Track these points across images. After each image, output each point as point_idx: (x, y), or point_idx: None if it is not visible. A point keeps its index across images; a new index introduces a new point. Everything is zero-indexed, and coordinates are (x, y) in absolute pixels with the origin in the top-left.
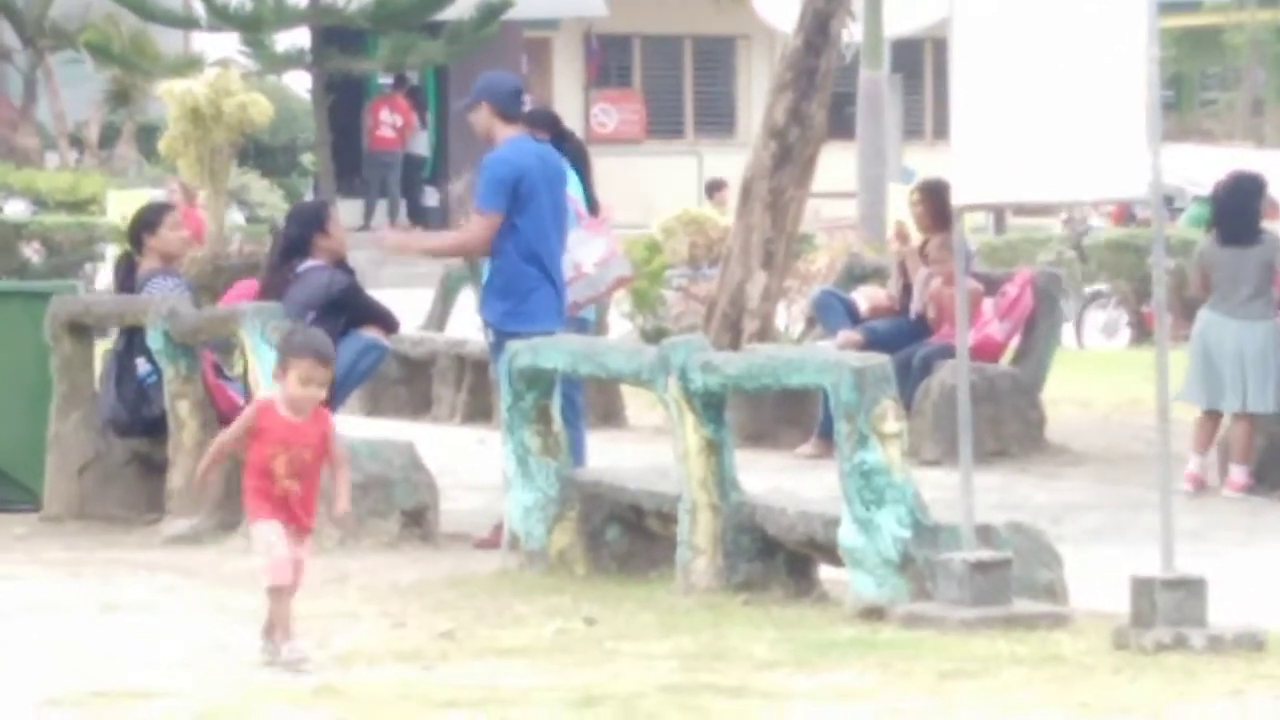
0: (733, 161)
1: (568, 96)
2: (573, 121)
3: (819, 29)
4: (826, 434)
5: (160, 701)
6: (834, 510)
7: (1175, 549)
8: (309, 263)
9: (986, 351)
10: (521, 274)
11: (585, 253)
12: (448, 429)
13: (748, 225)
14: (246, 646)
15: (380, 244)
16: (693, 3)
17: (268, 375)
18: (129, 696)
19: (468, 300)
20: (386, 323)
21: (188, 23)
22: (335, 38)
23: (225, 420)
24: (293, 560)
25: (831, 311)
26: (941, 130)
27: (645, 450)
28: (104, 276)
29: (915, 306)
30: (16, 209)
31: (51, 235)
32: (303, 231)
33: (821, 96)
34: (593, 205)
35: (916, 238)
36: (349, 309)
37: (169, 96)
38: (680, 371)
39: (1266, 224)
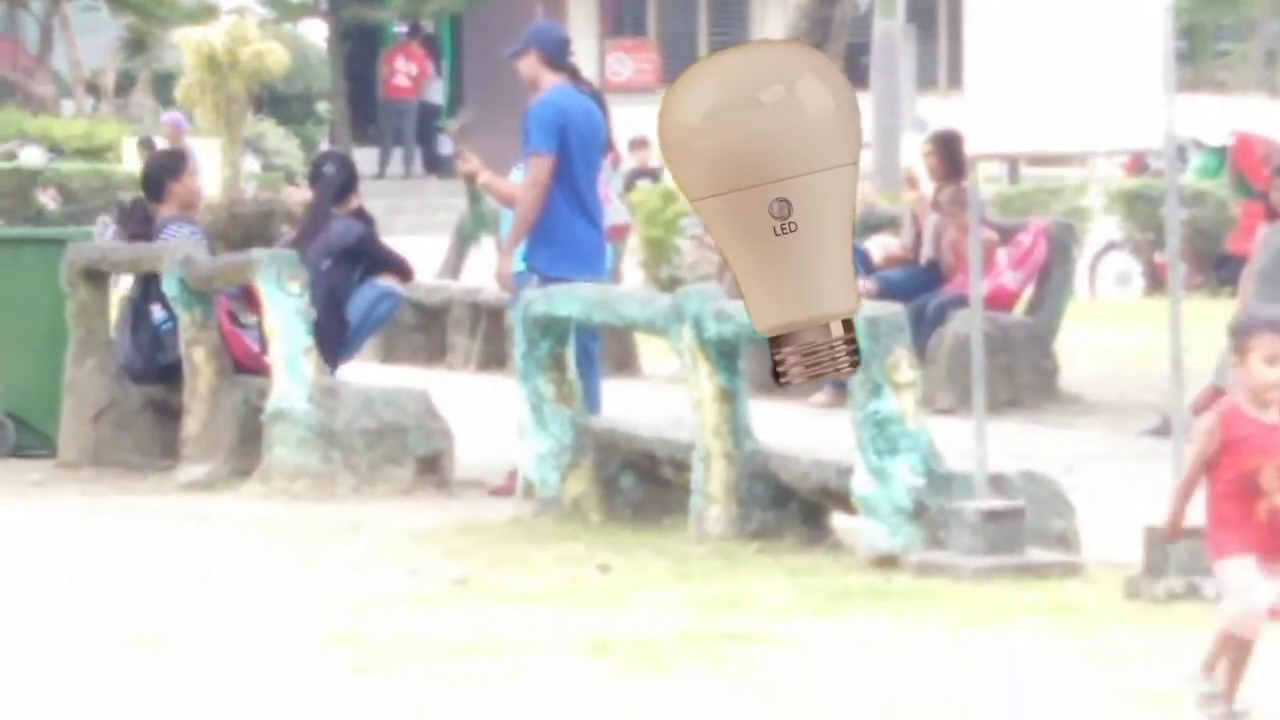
0: None
1: (582, 46)
2: (588, 71)
3: None
4: (840, 383)
5: (172, 646)
6: (848, 459)
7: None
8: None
9: (1000, 301)
10: (568, 219)
11: None
12: (462, 376)
13: None
14: (259, 590)
15: (460, 159)
16: None
17: (283, 322)
18: (142, 641)
19: (483, 248)
20: (402, 270)
21: None
22: None
23: (241, 367)
24: (1270, 609)
25: None
26: (956, 80)
27: (660, 398)
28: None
29: (924, 253)
30: (33, 156)
31: (67, 182)
32: (351, 178)
33: (836, 46)
34: (611, 152)
35: (927, 186)
36: (365, 257)
37: (185, 44)
38: (695, 320)
39: None
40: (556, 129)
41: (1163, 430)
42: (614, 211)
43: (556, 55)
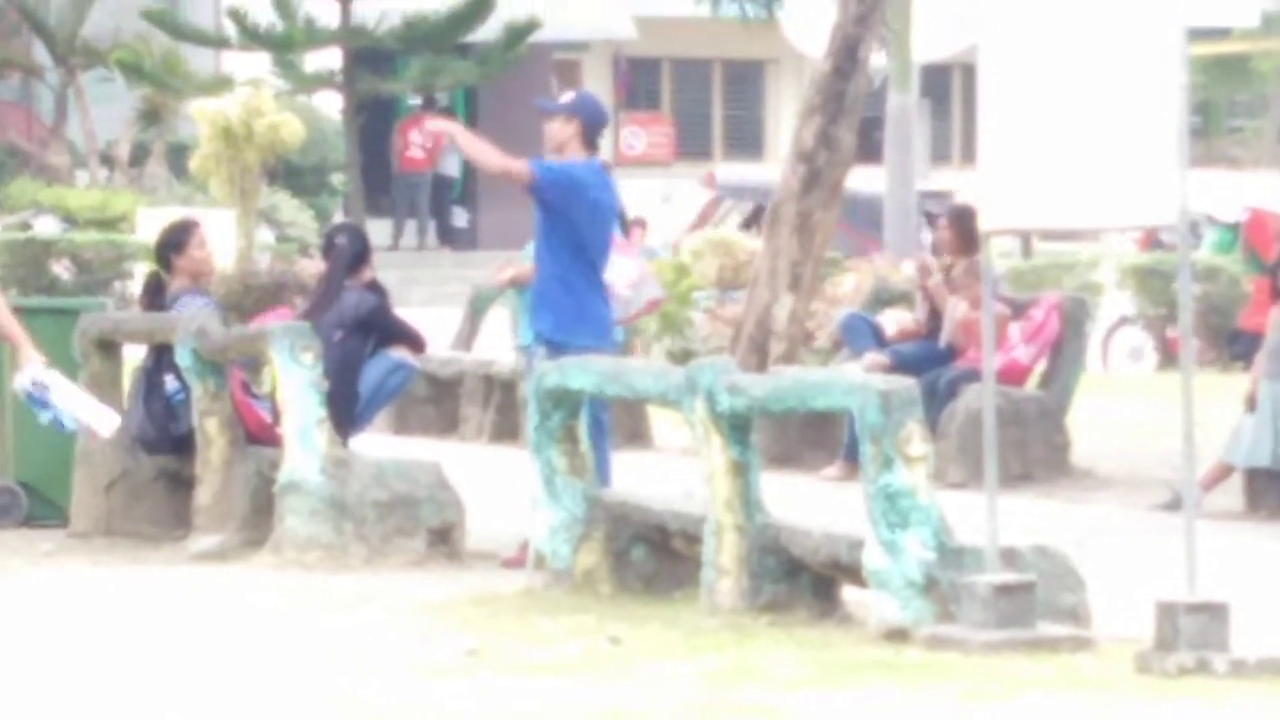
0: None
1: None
2: (603, 143)
3: (848, 54)
4: (852, 456)
5: (183, 715)
6: (859, 532)
7: (1199, 573)
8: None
9: (1012, 375)
10: (578, 290)
11: (617, 274)
12: (475, 447)
13: (775, 248)
14: (271, 660)
15: (431, 125)
16: (722, 26)
17: (296, 393)
18: (152, 710)
19: (496, 319)
20: (415, 342)
21: (219, 42)
22: (365, 58)
23: (253, 439)
24: None
25: (858, 334)
26: (969, 155)
27: (672, 471)
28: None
29: (944, 336)
30: (47, 226)
31: (81, 253)
32: (364, 249)
33: (850, 121)
34: (623, 226)
35: (938, 272)
36: (377, 329)
37: (200, 116)
38: (707, 393)
39: None
40: (563, 182)
41: (1174, 505)
42: (650, 287)
43: (594, 133)
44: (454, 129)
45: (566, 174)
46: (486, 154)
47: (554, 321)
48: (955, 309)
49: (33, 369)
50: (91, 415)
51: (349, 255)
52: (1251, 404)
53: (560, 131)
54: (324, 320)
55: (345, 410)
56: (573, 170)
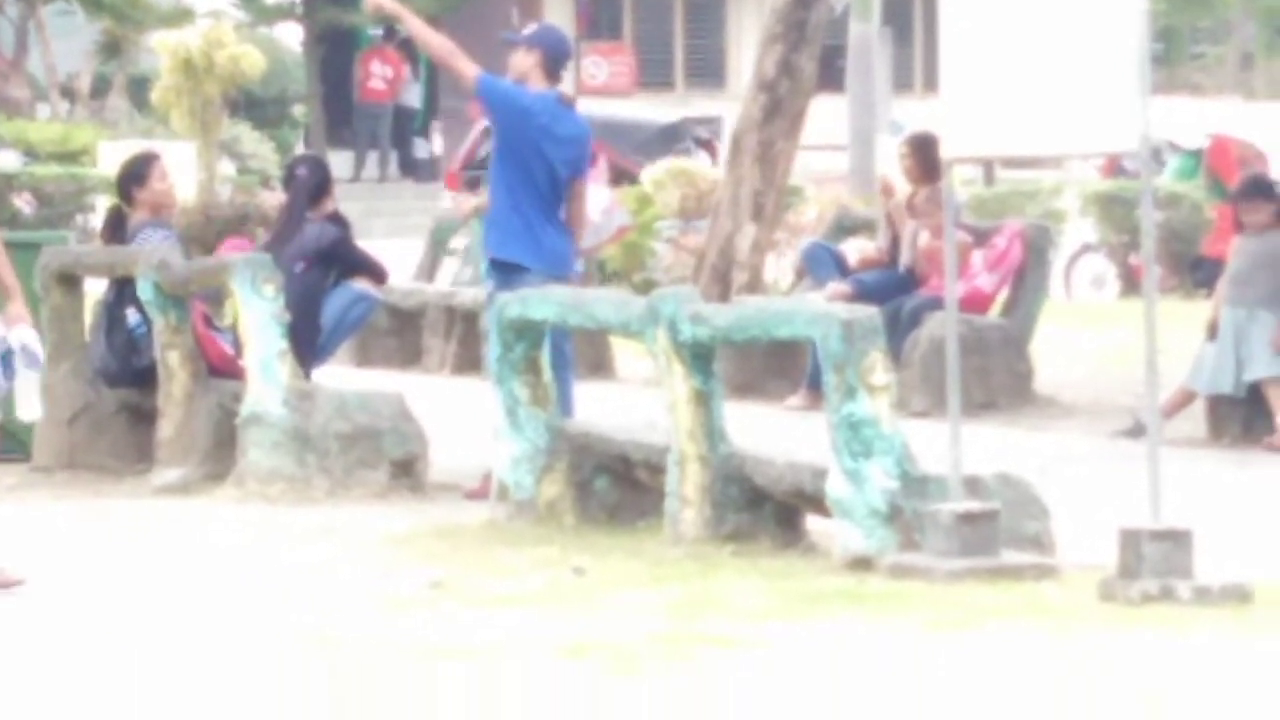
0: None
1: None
2: (565, 76)
3: None
4: (815, 385)
5: (144, 648)
6: (822, 461)
7: (1162, 500)
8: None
9: (975, 303)
10: (529, 217)
11: (588, 202)
12: (437, 379)
13: (737, 177)
14: (233, 593)
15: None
16: None
17: (258, 325)
18: (115, 643)
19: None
20: (377, 274)
21: None
22: None
23: (215, 371)
24: None
25: (820, 264)
26: (932, 83)
27: (634, 401)
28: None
29: (903, 259)
30: (8, 160)
31: (42, 186)
32: (325, 180)
33: (811, 49)
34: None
35: (903, 191)
36: (339, 261)
37: (161, 48)
38: (669, 323)
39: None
40: (511, 102)
41: (1136, 431)
42: (619, 214)
43: (555, 65)
44: (402, 10)
45: (512, 96)
46: (439, 44)
47: (500, 241)
48: (915, 233)
49: (23, 332)
50: (24, 398)
51: (310, 187)
52: (1213, 331)
53: (521, 62)
54: (285, 252)
55: (307, 342)
56: (520, 95)
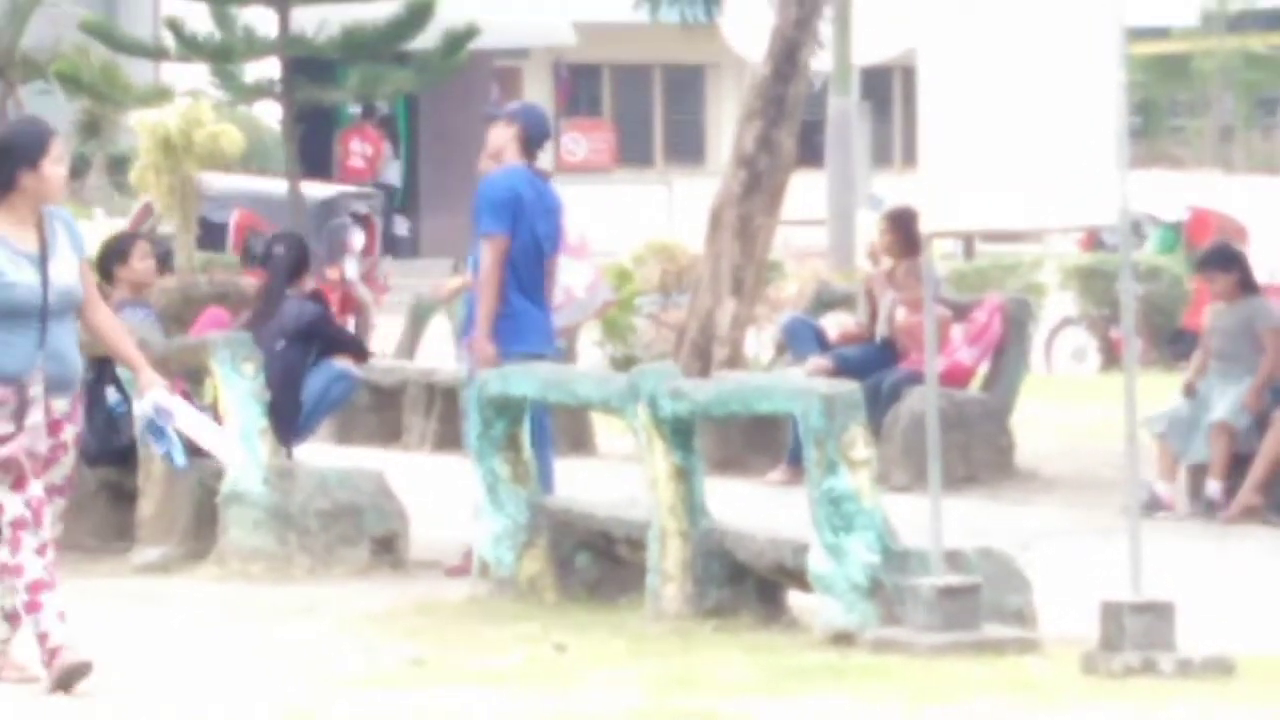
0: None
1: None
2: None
3: (788, 57)
4: (796, 460)
5: None
6: (803, 537)
7: (1144, 574)
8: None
9: (955, 377)
10: (508, 298)
11: (574, 278)
12: (418, 456)
13: (717, 253)
14: (215, 672)
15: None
16: (662, 31)
17: (238, 404)
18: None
19: (438, 328)
20: (357, 351)
21: (157, 53)
22: (305, 68)
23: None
24: None
25: (801, 338)
26: (911, 157)
27: (615, 477)
28: None
29: (880, 330)
30: None
31: None
32: (303, 257)
33: (790, 124)
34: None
35: (883, 266)
36: (319, 338)
37: (140, 127)
38: (650, 399)
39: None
40: (508, 209)
41: (1151, 506)
42: (603, 290)
43: (533, 142)
44: (489, 347)
45: (504, 203)
46: (487, 301)
47: (490, 332)
48: (893, 305)
49: (155, 393)
50: (215, 444)
51: (287, 264)
52: (1189, 390)
53: (500, 135)
54: (266, 330)
55: (288, 420)
56: (503, 194)
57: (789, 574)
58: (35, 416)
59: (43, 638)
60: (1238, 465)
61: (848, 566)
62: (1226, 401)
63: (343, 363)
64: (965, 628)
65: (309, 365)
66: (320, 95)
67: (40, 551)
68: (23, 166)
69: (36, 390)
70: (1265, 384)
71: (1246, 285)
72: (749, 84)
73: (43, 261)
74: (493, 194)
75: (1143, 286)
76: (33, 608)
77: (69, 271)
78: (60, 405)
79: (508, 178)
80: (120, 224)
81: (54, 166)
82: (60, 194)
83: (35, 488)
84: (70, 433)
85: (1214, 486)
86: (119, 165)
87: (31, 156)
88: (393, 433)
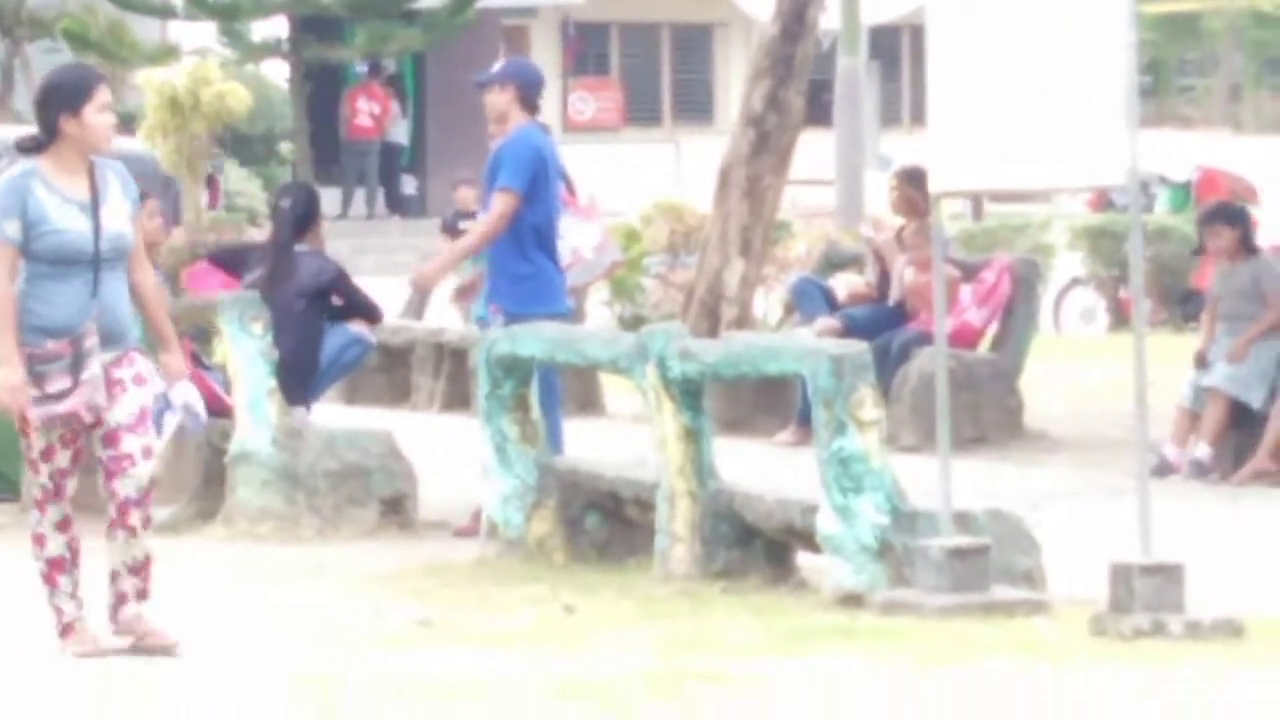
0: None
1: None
2: (550, 109)
3: (796, 16)
4: (805, 421)
5: (136, 688)
6: (812, 497)
7: (1153, 535)
8: (300, 248)
9: (964, 338)
10: (531, 258)
11: (582, 238)
12: (426, 417)
13: (725, 213)
14: (224, 632)
15: (420, 282)
16: None
17: (246, 363)
18: (106, 682)
19: (445, 288)
20: (372, 314)
21: (165, 11)
22: (312, 26)
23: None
24: None
25: (809, 298)
26: (919, 117)
27: (624, 438)
28: None
29: (893, 294)
30: None
31: None
32: (309, 210)
33: (799, 84)
34: (569, 186)
35: (891, 226)
36: (341, 297)
37: (147, 86)
38: (658, 359)
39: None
40: (531, 169)
41: (1162, 470)
42: (611, 250)
43: (532, 95)
44: (446, 263)
45: (529, 161)
46: (473, 240)
47: (513, 294)
48: (903, 269)
49: (185, 390)
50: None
51: (293, 218)
52: (1201, 361)
53: (498, 100)
54: (284, 289)
55: (305, 380)
56: (529, 153)
57: (798, 535)
58: (93, 369)
59: (58, 611)
60: (1251, 429)
61: (857, 528)
62: (1228, 367)
63: (358, 327)
64: (974, 589)
65: (324, 327)
66: (328, 53)
67: (62, 527)
68: (64, 113)
69: (92, 342)
70: (1256, 337)
71: (1248, 244)
72: (757, 43)
73: (94, 208)
74: (519, 152)
75: (1152, 247)
76: (49, 581)
77: (121, 218)
78: (107, 359)
79: (532, 137)
80: None
81: (98, 114)
82: (107, 142)
83: (62, 458)
84: (128, 372)
85: (1204, 449)
86: (126, 124)
87: (74, 103)
88: (401, 393)
